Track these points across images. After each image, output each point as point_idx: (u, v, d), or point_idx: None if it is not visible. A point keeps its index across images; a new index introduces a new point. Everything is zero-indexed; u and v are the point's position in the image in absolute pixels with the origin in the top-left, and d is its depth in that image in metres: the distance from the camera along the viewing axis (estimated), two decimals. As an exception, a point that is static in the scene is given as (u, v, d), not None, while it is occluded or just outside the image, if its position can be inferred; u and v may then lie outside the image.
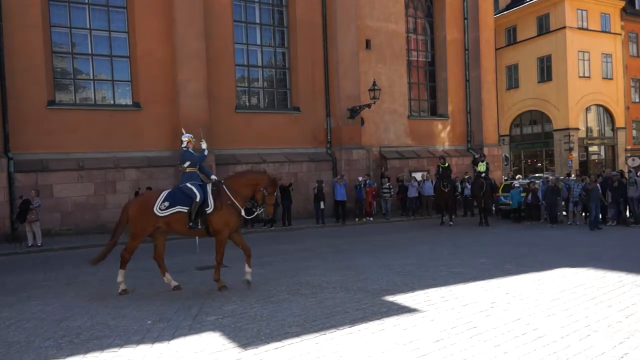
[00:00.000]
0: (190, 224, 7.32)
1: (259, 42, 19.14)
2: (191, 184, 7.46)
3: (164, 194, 7.53)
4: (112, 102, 16.69)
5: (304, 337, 5.05)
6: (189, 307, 6.38)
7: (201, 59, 16.78)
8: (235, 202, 7.41)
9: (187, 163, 7.67)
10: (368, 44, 20.55)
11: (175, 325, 5.63)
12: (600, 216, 15.05)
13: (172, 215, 7.33)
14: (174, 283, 7.61)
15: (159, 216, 7.33)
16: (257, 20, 19.06)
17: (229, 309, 6.28)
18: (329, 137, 19.76)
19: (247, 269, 7.51)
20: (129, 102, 16.82)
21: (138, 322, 5.80)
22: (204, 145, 8.11)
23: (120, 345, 4.99)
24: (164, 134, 16.67)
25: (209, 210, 7.32)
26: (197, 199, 7.27)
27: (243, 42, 18.72)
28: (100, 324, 5.74)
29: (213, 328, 5.48)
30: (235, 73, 18.34)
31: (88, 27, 16.20)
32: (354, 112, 19.20)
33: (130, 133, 16.20)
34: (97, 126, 15.80)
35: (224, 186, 7.52)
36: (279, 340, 4.97)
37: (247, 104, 19.05)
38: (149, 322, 5.80)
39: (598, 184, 15.06)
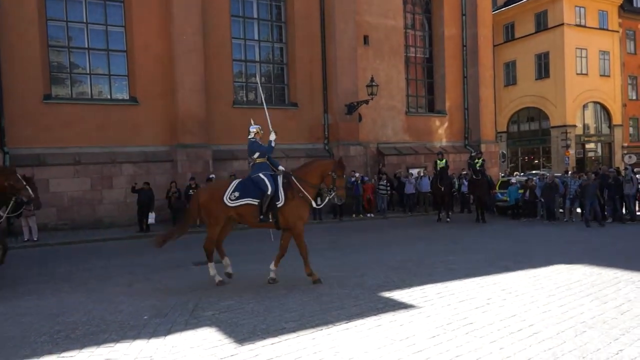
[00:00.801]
0: (261, 217, 7.19)
1: (256, 38, 19.07)
2: (264, 175, 7.33)
3: (234, 183, 7.42)
4: (108, 97, 16.62)
5: (301, 333, 5.06)
6: (186, 303, 6.38)
7: (199, 53, 16.71)
8: (306, 193, 7.28)
9: (257, 154, 7.53)
10: (366, 40, 20.51)
11: (172, 320, 5.62)
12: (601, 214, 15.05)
13: (241, 206, 7.23)
14: (229, 270, 7.60)
15: (229, 206, 7.25)
16: (255, 15, 18.98)
17: (226, 304, 6.28)
18: (326, 133, 19.73)
19: (273, 266, 7.47)
20: (126, 96, 16.74)
21: (134, 317, 5.79)
22: (273, 137, 7.78)
23: (117, 341, 4.99)
24: (161, 129, 16.63)
25: (280, 204, 7.18)
26: (269, 192, 7.14)
27: (241, 37, 18.64)
28: (97, 319, 5.73)
29: (209, 323, 5.47)
30: (233, 68, 18.27)
31: (84, 20, 16.10)
32: (351, 108, 19.17)
33: (127, 128, 16.14)
34: (93, 121, 15.73)
35: (294, 177, 7.37)
36: (276, 336, 4.97)
37: (245, 99, 19.00)
38: (145, 317, 5.79)
39: (595, 182, 15.08)
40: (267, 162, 7.57)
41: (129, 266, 9.32)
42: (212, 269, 7.48)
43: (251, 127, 7.80)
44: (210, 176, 15.58)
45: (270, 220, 7.25)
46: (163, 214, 15.37)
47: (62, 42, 16.00)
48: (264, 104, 8.94)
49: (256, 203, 7.20)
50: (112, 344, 4.90)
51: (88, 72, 16.35)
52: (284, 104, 19.52)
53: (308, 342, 4.81)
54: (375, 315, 5.64)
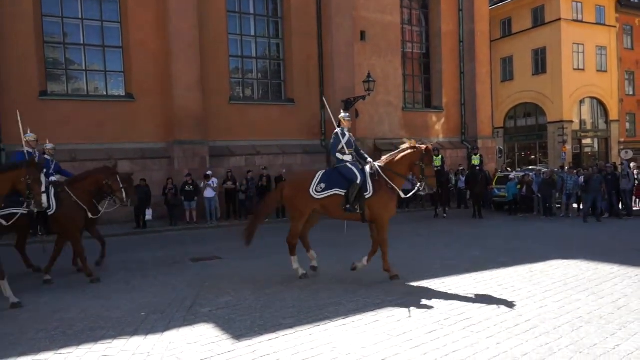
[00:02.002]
0: (347, 206, 7.06)
1: (253, 33, 19.01)
2: (351, 164, 7.25)
3: (319, 175, 7.34)
4: (104, 93, 16.57)
5: (298, 329, 5.06)
6: (183, 299, 6.38)
7: (195, 50, 16.65)
8: (394, 185, 7.14)
9: (341, 146, 7.45)
10: (363, 36, 20.47)
11: (169, 317, 5.62)
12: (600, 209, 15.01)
13: (328, 197, 7.15)
14: (314, 263, 7.61)
15: (315, 198, 7.18)
16: (251, 11, 18.91)
17: (223, 300, 6.28)
18: (323, 129, 19.71)
19: (365, 261, 7.37)
20: (122, 93, 16.69)
21: (132, 314, 5.79)
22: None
23: (114, 337, 4.99)
24: (158, 126, 16.59)
25: (368, 194, 7.03)
26: (358, 181, 7.04)
27: (237, 33, 18.58)
28: (94, 316, 5.72)
29: (207, 320, 5.48)
30: (229, 64, 18.22)
31: (80, 16, 16.02)
32: (348, 104, 19.13)
33: (124, 124, 16.09)
34: (89, 117, 15.67)
35: (381, 169, 7.22)
36: (273, 332, 4.98)
37: (242, 95, 18.95)
38: (143, 313, 5.79)
39: (600, 175, 14.97)
40: (354, 153, 7.49)
41: (126, 263, 9.30)
42: (295, 262, 7.45)
43: (343, 114, 7.75)
44: (208, 173, 15.56)
45: (358, 211, 7.07)
46: (160, 211, 15.36)
47: (58, 39, 15.92)
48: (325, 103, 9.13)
49: (343, 193, 7.09)
50: (109, 341, 4.89)
51: (84, 68, 16.29)
52: (281, 100, 19.48)
53: (305, 337, 4.82)
54: (372, 311, 5.65)
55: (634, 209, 15.59)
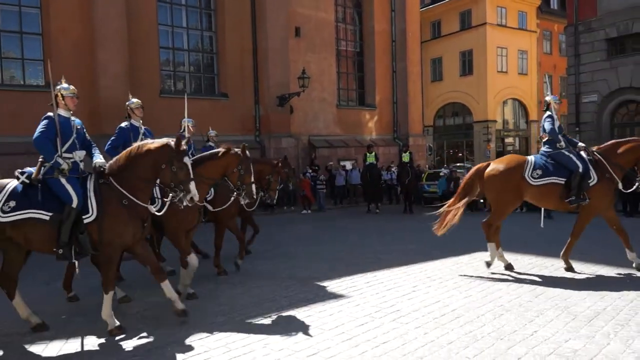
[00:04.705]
0: (572, 198, 6.65)
1: (184, 25, 18.48)
2: (568, 152, 6.83)
3: (531, 159, 6.92)
4: (22, 83, 15.49)
5: (230, 326, 4.98)
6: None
7: (122, 39, 15.94)
8: (614, 174, 6.73)
9: (547, 132, 7.05)
10: (298, 32, 20.46)
11: (94, 319, 5.34)
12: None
13: (544, 185, 6.76)
14: (505, 261, 7.29)
15: (532, 184, 6.78)
16: (183, 2, 18.37)
17: (154, 300, 6.06)
18: (257, 125, 19.54)
19: (631, 255, 6.85)
20: (41, 82, 15.66)
21: (53, 317, 5.45)
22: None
23: (31, 342, 4.68)
24: (82, 118, 15.39)
25: (592, 182, 6.65)
26: (580, 170, 6.65)
27: (168, 23, 17.99)
28: (8, 321, 5.33)
29: (136, 321, 5.26)
30: (160, 56, 17.61)
31: (-6, 0, 14.89)
32: (283, 100, 19.10)
33: (43, 116, 15.08)
34: (5, 108, 14.55)
35: (600, 156, 6.82)
36: (204, 331, 4.86)
37: (173, 88, 18.38)
38: (64, 317, 5.48)
39: None
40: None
41: (47, 262, 8.74)
42: (494, 253, 7.22)
43: (552, 97, 7.31)
44: None
45: (585, 202, 6.71)
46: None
47: (-32, 22, 14.71)
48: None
49: (562, 182, 6.77)
50: (26, 346, 4.59)
51: (-1, 55, 15.16)
52: (214, 95, 19.10)
53: (237, 335, 4.74)
54: (305, 306, 5.66)
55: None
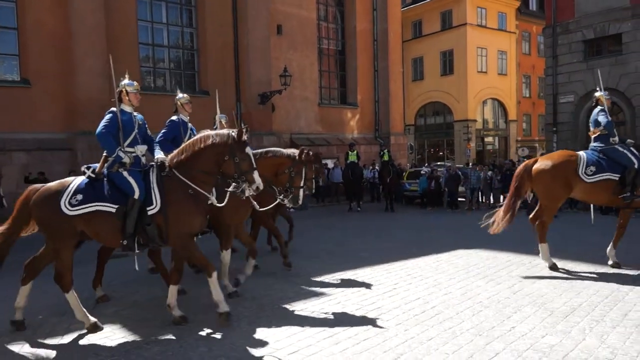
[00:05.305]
0: (627, 194, 6.58)
1: (164, 21, 18.25)
2: (622, 147, 6.72)
3: (583, 156, 6.80)
4: (-4, 78, 15.15)
5: (211, 324, 4.94)
6: (86, 300, 5.97)
7: (100, 34, 15.65)
8: None
9: (602, 125, 6.91)
10: (279, 30, 20.38)
11: (70, 319, 5.25)
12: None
13: (598, 182, 6.66)
14: (551, 263, 7.13)
15: (586, 181, 6.68)
16: (163, -3, 18.16)
17: (131, 300, 6.00)
18: (239, 122, 19.41)
19: (612, 253, 6.98)
20: (17, 77, 15.30)
21: (28, 316, 5.34)
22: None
23: (7, 343, 4.59)
24: (58, 115, 15.40)
25: None
26: (636, 166, 6.57)
27: (147, 19, 17.75)
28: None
29: (112, 320, 5.19)
30: (139, 52, 17.37)
31: (-33, -7, 14.52)
32: (264, 97, 19.01)
33: (19, 112, 14.72)
34: (-21, 104, 14.25)
35: None
36: (184, 330, 4.82)
37: (153, 85, 18.16)
38: (40, 317, 5.38)
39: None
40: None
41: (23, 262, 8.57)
42: (544, 250, 7.13)
43: (599, 92, 7.22)
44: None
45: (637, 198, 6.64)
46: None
47: (-60, 15, 14.31)
48: None
49: (616, 178, 6.69)
50: (2, 346, 4.48)
51: (-28, 50, 14.78)
52: (195, 92, 18.88)
53: (217, 334, 4.72)
54: (287, 304, 5.65)
55: (528, 202, 16.89)
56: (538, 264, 7.40)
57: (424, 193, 17.95)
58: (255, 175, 4.90)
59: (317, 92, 22.18)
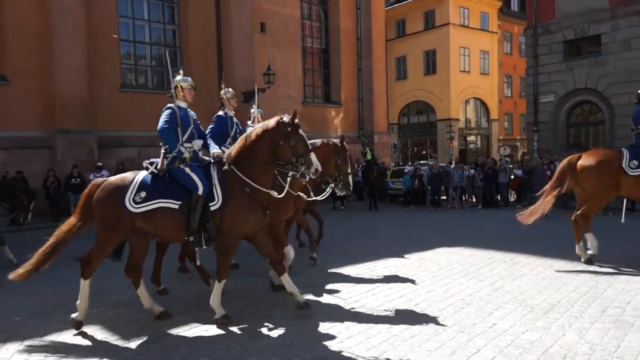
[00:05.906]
0: None
1: (146, 17, 18.04)
2: None
3: (625, 151, 6.87)
4: (-27, 74, 14.83)
5: (193, 325, 4.91)
6: (67, 301, 5.89)
7: (81, 30, 15.38)
8: None
9: None
10: (263, 27, 20.29)
11: (50, 320, 5.18)
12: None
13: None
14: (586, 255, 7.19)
15: (630, 175, 6.71)
16: (145, -7, 17.94)
17: (113, 299, 5.93)
18: (222, 121, 19.27)
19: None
20: (-4, 74, 15.03)
21: (6, 318, 5.26)
22: None
23: (-17, 345, 4.50)
24: (37, 112, 15.12)
25: None
26: None
27: (129, 15, 17.53)
28: (-42, 323, 5.10)
29: (94, 321, 5.11)
30: (120, 49, 17.15)
31: (-58, -13, 14.17)
32: (248, 95, 18.90)
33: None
34: (-46, 101, 13.94)
35: None
36: (170, 329, 4.79)
37: (134, 82, 17.95)
38: (18, 318, 5.29)
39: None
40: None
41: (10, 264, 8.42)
42: (591, 238, 7.12)
43: None
44: (98, 164, 14.55)
45: None
46: (40, 205, 14.05)
47: None
48: None
49: None
50: (-23, 349, 4.40)
51: (-53, 45, 14.43)
52: (178, 90, 18.71)
53: (202, 332, 4.70)
54: (268, 301, 5.64)
55: (510, 200, 17.15)
56: (519, 261, 7.51)
57: (408, 191, 18.08)
58: (313, 157, 4.86)
59: (301, 90, 22.14)
